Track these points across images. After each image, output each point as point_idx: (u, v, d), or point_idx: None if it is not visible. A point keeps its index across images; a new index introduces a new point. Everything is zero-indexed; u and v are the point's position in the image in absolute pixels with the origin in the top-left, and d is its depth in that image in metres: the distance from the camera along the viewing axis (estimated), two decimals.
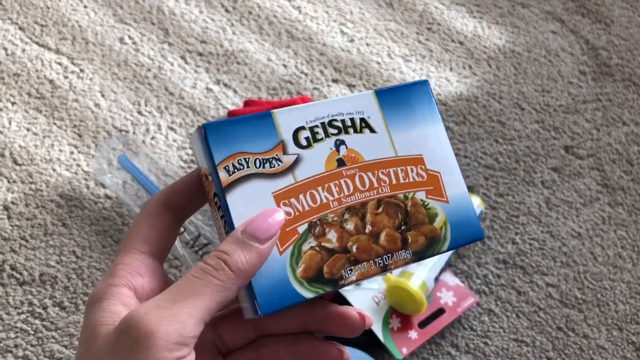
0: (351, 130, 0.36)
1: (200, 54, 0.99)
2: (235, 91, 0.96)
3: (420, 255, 0.36)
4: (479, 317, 0.79)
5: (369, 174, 0.36)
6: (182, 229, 0.78)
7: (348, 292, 0.76)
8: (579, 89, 1.03)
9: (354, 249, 0.34)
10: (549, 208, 0.90)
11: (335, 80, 0.99)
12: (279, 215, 0.32)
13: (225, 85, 0.96)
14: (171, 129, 0.90)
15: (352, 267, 0.34)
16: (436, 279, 0.76)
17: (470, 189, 0.90)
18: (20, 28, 0.98)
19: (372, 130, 0.37)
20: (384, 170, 0.36)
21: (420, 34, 1.07)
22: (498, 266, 0.83)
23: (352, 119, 0.36)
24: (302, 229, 0.34)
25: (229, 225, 0.32)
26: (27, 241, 0.79)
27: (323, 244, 0.34)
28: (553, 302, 0.81)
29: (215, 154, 0.33)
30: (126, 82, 0.94)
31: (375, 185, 0.36)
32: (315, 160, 0.35)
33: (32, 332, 0.73)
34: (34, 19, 0.99)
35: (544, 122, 0.98)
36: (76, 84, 0.93)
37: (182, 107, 0.93)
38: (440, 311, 0.76)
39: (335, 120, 0.36)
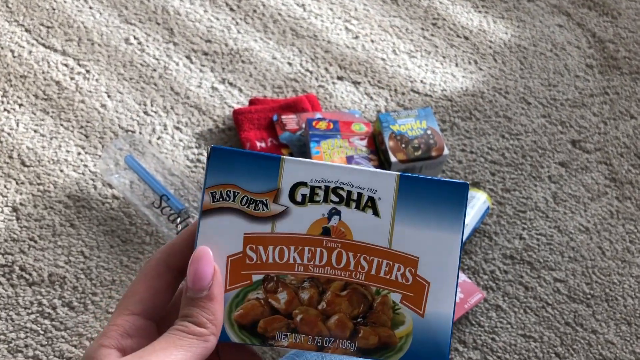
0: (353, 204, 0.34)
1: (206, 53, 0.99)
2: (240, 90, 0.96)
3: (364, 352, 0.34)
4: (487, 313, 0.79)
5: (350, 254, 0.34)
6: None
7: None
8: (586, 83, 1.03)
9: (298, 318, 0.34)
10: (557, 203, 0.89)
11: (340, 78, 0.99)
12: (209, 269, 0.32)
13: (231, 84, 0.96)
14: (177, 128, 0.91)
15: (288, 334, 0.33)
16: None
17: (477, 184, 0.90)
18: (26, 30, 0.98)
19: (375, 213, 0.34)
20: (367, 257, 0.34)
21: (425, 29, 1.07)
22: (505, 262, 0.83)
23: (359, 194, 0.34)
24: (256, 277, 0.33)
25: (195, 243, 0.33)
26: (35, 242, 0.79)
27: (270, 300, 0.33)
28: (561, 297, 0.81)
29: (209, 177, 0.33)
30: (132, 83, 0.95)
31: (352, 268, 0.34)
32: (302, 219, 0.34)
33: (42, 332, 0.73)
34: (40, 20, 1.00)
35: (550, 116, 0.98)
36: (82, 85, 0.93)
37: (188, 106, 0.93)
38: None
39: (342, 188, 0.34)
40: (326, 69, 1.00)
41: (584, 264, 0.84)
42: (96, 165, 0.86)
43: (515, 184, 0.91)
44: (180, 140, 0.90)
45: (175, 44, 1.00)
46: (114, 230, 0.81)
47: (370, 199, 0.34)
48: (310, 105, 0.94)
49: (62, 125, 0.89)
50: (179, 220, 0.78)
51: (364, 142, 0.87)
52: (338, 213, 0.34)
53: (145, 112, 0.92)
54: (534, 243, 0.85)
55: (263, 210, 0.34)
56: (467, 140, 0.94)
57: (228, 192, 0.34)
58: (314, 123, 0.87)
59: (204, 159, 0.88)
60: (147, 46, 0.99)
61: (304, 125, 0.90)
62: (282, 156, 0.34)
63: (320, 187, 0.34)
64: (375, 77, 1.00)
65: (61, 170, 0.85)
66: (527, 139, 0.95)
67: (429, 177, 0.35)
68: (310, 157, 0.84)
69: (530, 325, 0.79)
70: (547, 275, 0.83)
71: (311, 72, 0.99)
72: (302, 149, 0.88)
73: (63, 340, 0.73)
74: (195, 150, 0.89)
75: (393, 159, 0.82)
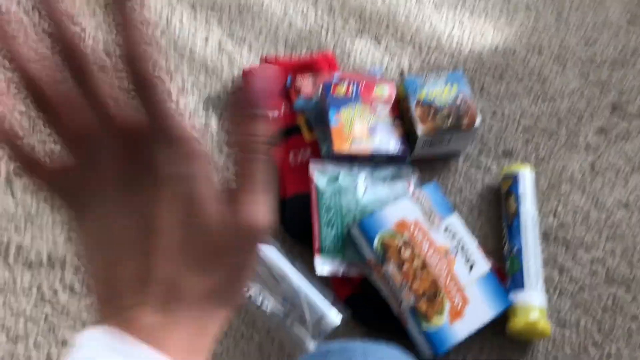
0: None
1: (212, 8, 0.90)
2: (250, 47, 0.88)
3: None
4: None
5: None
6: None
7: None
8: (628, 39, 0.94)
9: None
10: (594, 175, 0.82)
11: (360, 32, 0.90)
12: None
13: (240, 41, 0.88)
14: (184, 91, 0.83)
15: None
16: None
17: (509, 153, 0.83)
18: None
19: None
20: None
21: None
22: None
23: None
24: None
25: None
26: (32, 219, 0.73)
27: None
28: (598, 280, 0.75)
29: None
30: None
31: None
32: None
33: (43, 319, 0.68)
34: None
35: (588, 77, 0.90)
36: None
37: (194, 67, 0.85)
38: None
39: None
40: (344, 23, 0.91)
41: (623, 243, 0.78)
42: None
43: (550, 153, 0.83)
44: (187, 103, 0.82)
45: None
46: None
47: None
48: (327, 65, 0.86)
49: None
50: None
51: (387, 108, 0.80)
52: None
53: None
54: (569, 220, 0.79)
55: None
56: (499, 104, 0.86)
57: None
58: (332, 88, 0.79)
59: (212, 125, 0.81)
60: None
61: (320, 90, 0.82)
62: None
63: None
64: (397, 33, 0.91)
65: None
66: (562, 103, 0.87)
67: None
68: (329, 127, 0.77)
69: (566, 310, 0.73)
70: (583, 256, 0.77)
71: (328, 27, 0.90)
72: (318, 117, 0.81)
73: (66, 326, 0.68)
74: (204, 119, 0.82)
75: (419, 130, 0.75)
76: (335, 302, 0.69)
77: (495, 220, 0.78)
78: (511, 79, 0.88)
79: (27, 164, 0.28)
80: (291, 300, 0.68)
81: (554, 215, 0.79)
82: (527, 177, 0.76)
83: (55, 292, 0.70)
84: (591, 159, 0.83)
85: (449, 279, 0.67)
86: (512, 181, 0.76)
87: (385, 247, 0.67)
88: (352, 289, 0.72)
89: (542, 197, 0.80)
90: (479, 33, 0.92)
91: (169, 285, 0.28)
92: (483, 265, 0.69)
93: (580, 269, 0.76)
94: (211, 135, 0.81)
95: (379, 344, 0.56)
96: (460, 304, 0.66)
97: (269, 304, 0.68)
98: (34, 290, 0.70)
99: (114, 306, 0.28)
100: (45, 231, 0.73)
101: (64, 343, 0.67)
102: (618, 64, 0.91)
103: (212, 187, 0.28)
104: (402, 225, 0.69)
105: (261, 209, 0.30)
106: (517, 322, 0.67)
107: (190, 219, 0.28)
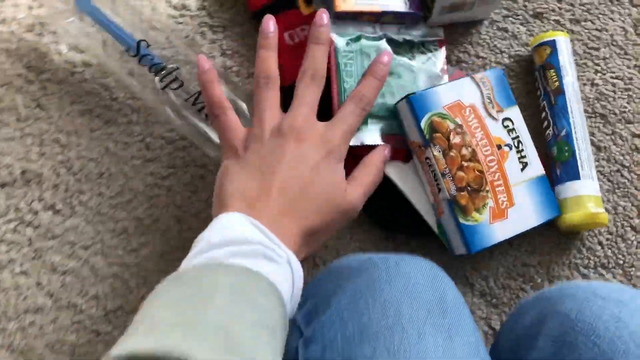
0: None
1: None
2: None
3: None
4: None
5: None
6: (175, 84, 0.62)
7: (396, 170, 0.63)
8: None
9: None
10: (638, 34, 0.71)
11: None
12: None
13: None
14: None
15: None
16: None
17: (540, 14, 0.71)
18: None
19: None
20: None
21: None
22: None
23: None
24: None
25: None
26: None
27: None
28: (638, 158, 0.68)
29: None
30: None
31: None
32: None
33: (27, 244, 0.62)
34: None
35: None
36: None
37: None
38: None
39: None
40: None
41: None
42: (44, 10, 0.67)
43: (587, 11, 0.72)
44: None
45: None
46: (92, 109, 0.66)
47: None
48: None
49: None
50: (163, 73, 0.61)
51: None
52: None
53: None
54: (608, 90, 0.69)
55: None
56: None
57: None
58: None
59: (191, 4, 0.69)
60: None
61: None
62: None
63: None
64: None
65: (12, 32, 0.67)
66: None
67: None
68: None
69: (603, 193, 0.66)
70: (623, 131, 0.68)
71: None
72: None
73: (52, 250, 0.62)
74: None
75: None
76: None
77: (529, 98, 0.68)
78: None
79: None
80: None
81: (592, 85, 0.69)
82: (566, 45, 0.65)
83: (35, 213, 0.62)
84: (635, 14, 0.72)
85: (497, 174, 0.59)
86: (551, 51, 0.65)
87: (433, 128, 0.59)
88: None
89: (579, 65, 0.70)
90: None
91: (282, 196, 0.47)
92: (537, 167, 0.61)
93: (620, 147, 0.68)
94: (191, 16, 0.69)
95: (404, 257, 0.50)
96: (505, 203, 0.59)
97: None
98: (12, 212, 0.62)
99: (246, 205, 0.46)
100: (14, 144, 0.64)
101: (55, 269, 0.61)
102: None
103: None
104: (456, 108, 0.60)
105: (362, 194, 0.53)
106: (576, 216, 0.60)
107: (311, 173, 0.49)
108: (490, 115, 0.60)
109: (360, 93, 0.56)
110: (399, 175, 0.64)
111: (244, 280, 0.39)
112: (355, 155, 0.62)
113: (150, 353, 0.31)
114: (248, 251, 0.41)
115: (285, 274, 0.43)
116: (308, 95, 0.53)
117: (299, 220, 0.47)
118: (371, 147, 0.62)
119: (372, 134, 0.62)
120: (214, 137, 0.61)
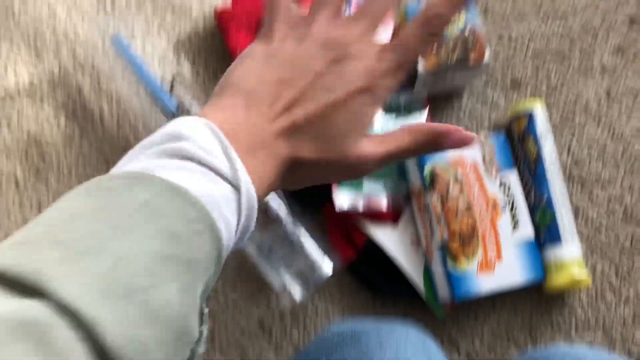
0: None
1: None
2: None
3: None
4: None
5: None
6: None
7: (385, 234, 0.65)
8: None
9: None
10: (610, 102, 0.75)
11: None
12: None
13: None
14: (149, 35, 0.73)
15: None
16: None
17: (518, 84, 0.75)
18: None
19: None
20: None
21: None
22: None
23: None
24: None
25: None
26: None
27: None
28: (616, 220, 0.71)
29: None
30: None
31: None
32: None
33: None
34: None
35: None
36: None
37: (158, 6, 0.75)
38: None
39: None
40: None
41: None
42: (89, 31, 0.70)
43: (562, 80, 0.76)
44: (154, 48, 0.73)
45: None
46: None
47: None
48: None
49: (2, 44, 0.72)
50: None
51: (384, 30, 0.71)
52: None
53: (107, 14, 0.74)
54: (584, 155, 0.73)
55: None
56: (505, 27, 0.77)
57: None
58: None
59: (185, 71, 0.72)
60: None
61: None
62: None
63: None
64: None
65: (11, 98, 0.70)
66: (575, 19, 0.78)
67: None
68: None
69: (583, 253, 0.69)
70: (599, 193, 0.71)
71: None
72: None
73: None
74: (175, 63, 0.73)
75: (420, 66, 0.67)
76: (329, 252, 0.64)
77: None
78: None
79: None
80: (283, 244, 0.64)
81: (568, 150, 0.73)
82: (542, 115, 0.69)
83: None
84: (607, 83, 0.76)
85: (489, 230, 0.62)
86: (528, 120, 0.68)
87: (434, 176, 0.64)
88: (356, 253, 0.67)
89: (555, 131, 0.73)
90: None
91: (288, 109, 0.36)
92: (528, 230, 0.64)
93: (597, 209, 0.71)
94: (183, 79, 0.72)
95: (394, 324, 0.52)
96: (493, 257, 0.62)
97: (255, 248, 0.65)
98: None
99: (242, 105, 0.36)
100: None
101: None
102: None
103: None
104: (458, 162, 0.64)
105: (379, 156, 0.38)
106: (559, 279, 0.63)
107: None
108: (489, 174, 0.64)
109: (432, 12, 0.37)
110: (388, 239, 0.66)
111: (163, 199, 0.29)
112: (344, 220, 0.65)
113: None
114: (184, 157, 0.31)
115: (227, 196, 0.32)
116: (374, 7, 0.39)
117: (292, 146, 0.36)
118: (362, 214, 0.66)
119: (365, 198, 0.65)
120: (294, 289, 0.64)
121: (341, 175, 0.39)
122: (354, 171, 0.39)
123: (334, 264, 0.64)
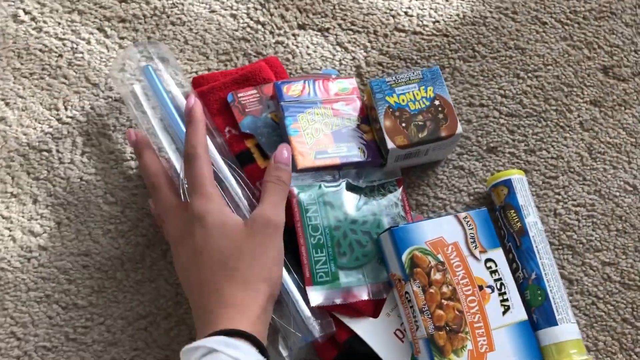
0: None
1: (123, 20, 0.75)
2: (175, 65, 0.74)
3: None
4: None
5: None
6: None
7: (366, 327, 0.61)
8: None
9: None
10: (593, 158, 0.72)
11: (302, 26, 0.76)
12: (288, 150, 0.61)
13: (162, 59, 0.73)
14: (104, 136, 0.70)
15: None
16: None
17: (494, 148, 0.71)
18: None
19: None
20: None
21: None
22: None
23: None
24: None
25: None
26: None
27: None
28: (613, 286, 0.66)
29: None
30: (34, 80, 0.72)
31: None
32: None
33: None
34: None
35: (572, 37, 0.77)
36: None
37: (113, 103, 0.72)
38: None
39: None
40: (282, 17, 0.77)
41: (635, 236, 0.68)
42: (9, 208, 0.66)
43: (541, 140, 0.72)
44: (112, 153, 0.69)
45: (80, 12, 0.75)
46: (50, 294, 0.64)
47: None
48: (272, 73, 0.72)
49: None
50: None
51: (352, 108, 0.68)
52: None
53: (60, 120, 0.70)
54: (572, 218, 0.69)
55: None
56: (474, 89, 0.74)
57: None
58: (285, 88, 0.67)
59: (132, 165, 0.69)
60: (44, 22, 0.74)
61: (268, 103, 0.69)
62: None
63: None
64: (347, 19, 0.77)
65: None
66: (547, 74, 0.75)
67: None
68: (288, 141, 0.65)
69: (581, 329, 0.64)
70: (593, 260, 0.67)
71: (263, 24, 0.76)
72: (271, 137, 0.68)
73: None
74: (135, 166, 0.69)
75: (390, 144, 0.63)
76: (318, 316, 0.59)
77: None
78: (486, 55, 0.75)
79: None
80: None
81: (555, 215, 0.69)
82: (522, 183, 0.65)
83: None
84: (588, 138, 0.72)
85: (478, 316, 0.58)
86: (508, 192, 0.65)
87: (414, 263, 0.59)
88: (338, 348, 0.62)
89: (539, 196, 0.70)
90: (441, 3, 0.78)
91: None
92: (520, 311, 0.60)
93: (592, 277, 0.67)
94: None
95: None
96: (485, 347, 0.57)
97: None
98: None
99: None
100: None
101: None
102: (604, 15, 0.78)
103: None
104: (439, 244, 0.60)
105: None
106: None
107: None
108: (473, 255, 0.60)
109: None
110: (369, 332, 0.62)
111: None
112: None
113: None
114: None
115: None
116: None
117: (256, 295, 0.54)
118: (341, 308, 0.61)
119: (343, 291, 0.61)
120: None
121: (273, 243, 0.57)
122: (272, 231, 0.58)
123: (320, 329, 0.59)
